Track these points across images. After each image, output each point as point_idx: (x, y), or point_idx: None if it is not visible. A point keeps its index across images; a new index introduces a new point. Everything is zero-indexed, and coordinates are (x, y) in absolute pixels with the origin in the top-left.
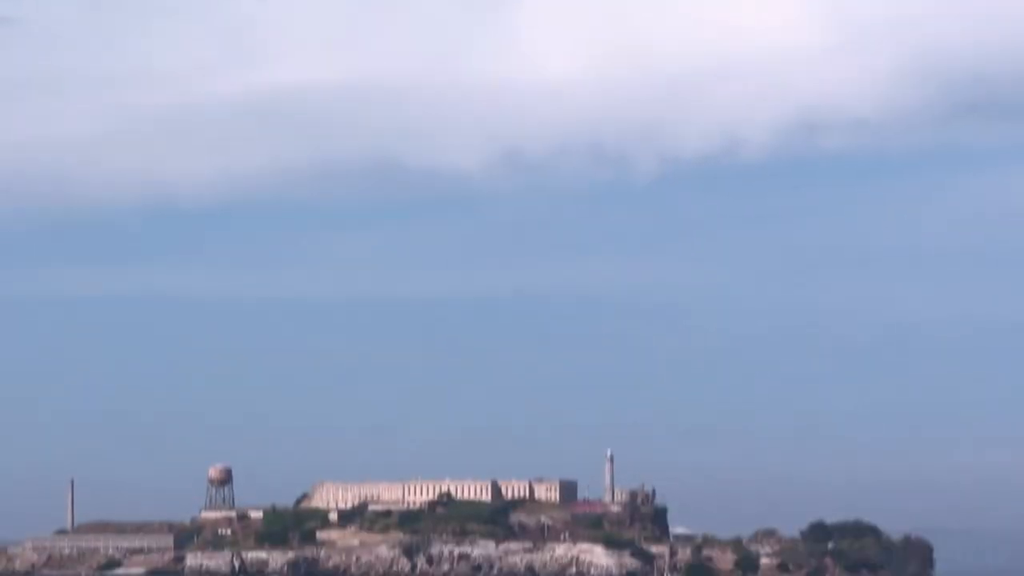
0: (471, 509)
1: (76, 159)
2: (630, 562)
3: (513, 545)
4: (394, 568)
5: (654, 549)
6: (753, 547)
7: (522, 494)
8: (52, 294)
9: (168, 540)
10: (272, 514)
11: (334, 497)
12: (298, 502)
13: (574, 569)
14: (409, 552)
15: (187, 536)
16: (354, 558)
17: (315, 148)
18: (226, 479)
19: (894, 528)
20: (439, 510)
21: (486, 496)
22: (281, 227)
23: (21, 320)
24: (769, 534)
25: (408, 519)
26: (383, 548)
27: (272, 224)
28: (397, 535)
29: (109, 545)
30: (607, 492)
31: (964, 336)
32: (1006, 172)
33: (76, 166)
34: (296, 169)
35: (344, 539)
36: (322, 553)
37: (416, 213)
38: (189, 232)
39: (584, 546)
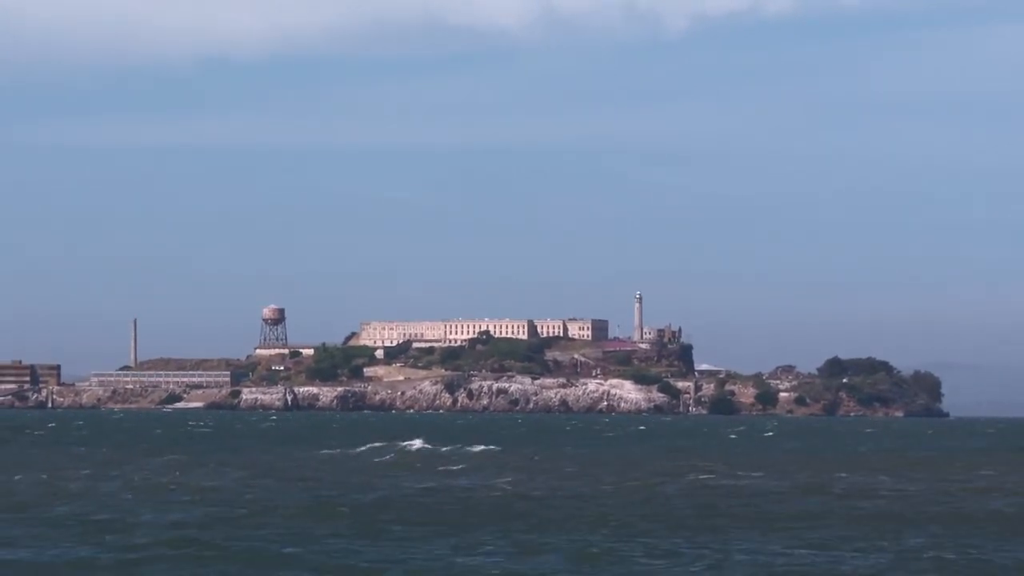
0: (509, 346)
1: (137, 15)
2: (658, 396)
3: (548, 380)
4: (436, 402)
5: (680, 384)
6: (773, 382)
7: (557, 332)
8: (112, 143)
9: (225, 376)
10: (322, 351)
11: (380, 335)
12: (347, 340)
13: (605, 403)
14: (450, 387)
15: (243, 372)
16: (399, 392)
17: (362, 5)
18: (279, 319)
19: (905, 364)
20: (479, 347)
21: (523, 334)
22: (330, 80)
23: (85, 168)
24: (788, 370)
25: (450, 356)
26: (426, 383)
27: (321, 77)
28: (439, 371)
29: (170, 380)
30: (636, 331)
31: (969, 180)
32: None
33: (138, 20)
34: (344, 25)
35: (390, 374)
36: (369, 388)
37: (457, 67)
38: (242, 85)
39: (615, 381)
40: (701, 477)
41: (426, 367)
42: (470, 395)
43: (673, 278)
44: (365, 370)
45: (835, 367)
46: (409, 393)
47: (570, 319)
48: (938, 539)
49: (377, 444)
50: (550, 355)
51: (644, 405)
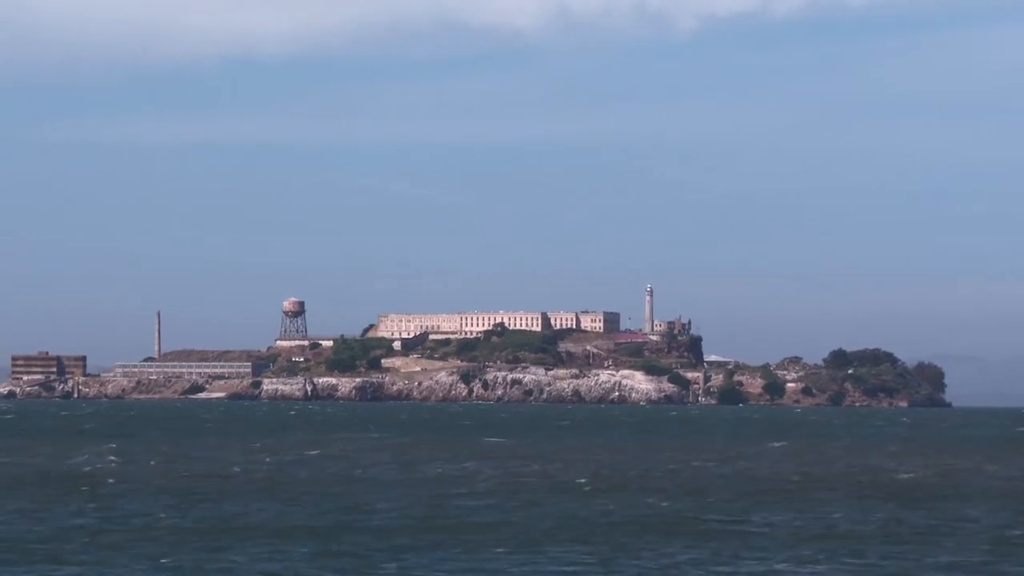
0: (523, 338)
1: (163, 13)
2: (668, 387)
3: (561, 371)
4: (452, 392)
5: (689, 375)
6: (780, 373)
7: (569, 325)
8: (138, 141)
9: (246, 367)
10: (341, 343)
11: (398, 327)
12: (365, 332)
13: (617, 393)
14: (466, 377)
15: (263, 363)
16: (416, 383)
17: (385, 6)
18: (299, 311)
19: (909, 355)
20: (494, 339)
21: (537, 326)
22: (352, 79)
23: (109, 165)
24: (794, 361)
25: (465, 347)
26: (442, 374)
27: (343, 76)
28: (455, 362)
29: (192, 371)
30: (647, 323)
31: (972, 176)
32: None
33: (163, 20)
34: (367, 25)
35: (407, 366)
36: (387, 378)
37: (476, 67)
38: (267, 84)
39: (626, 372)
40: None
41: (442, 358)
42: (485, 385)
43: (683, 272)
44: (383, 361)
45: (840, 358)
46: (426, 384)
47: (583, 312)
48: None
49: None
50: (563, 346)
51: (655, 395)
